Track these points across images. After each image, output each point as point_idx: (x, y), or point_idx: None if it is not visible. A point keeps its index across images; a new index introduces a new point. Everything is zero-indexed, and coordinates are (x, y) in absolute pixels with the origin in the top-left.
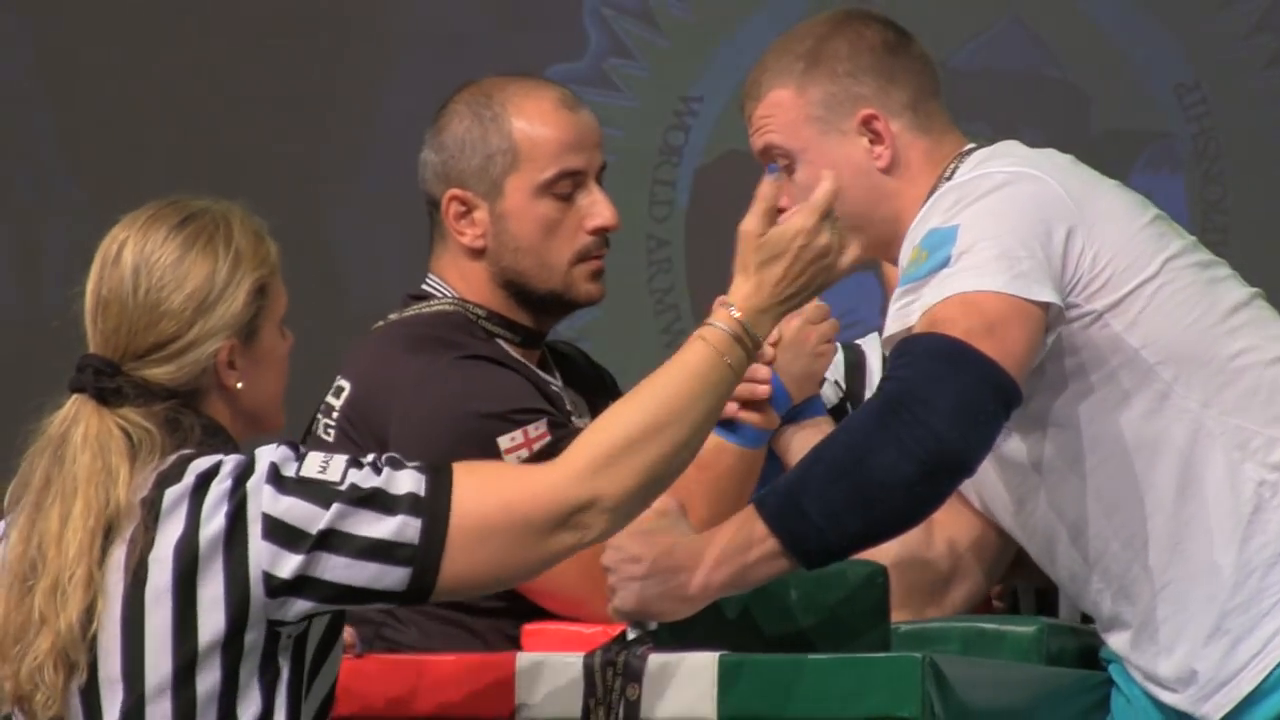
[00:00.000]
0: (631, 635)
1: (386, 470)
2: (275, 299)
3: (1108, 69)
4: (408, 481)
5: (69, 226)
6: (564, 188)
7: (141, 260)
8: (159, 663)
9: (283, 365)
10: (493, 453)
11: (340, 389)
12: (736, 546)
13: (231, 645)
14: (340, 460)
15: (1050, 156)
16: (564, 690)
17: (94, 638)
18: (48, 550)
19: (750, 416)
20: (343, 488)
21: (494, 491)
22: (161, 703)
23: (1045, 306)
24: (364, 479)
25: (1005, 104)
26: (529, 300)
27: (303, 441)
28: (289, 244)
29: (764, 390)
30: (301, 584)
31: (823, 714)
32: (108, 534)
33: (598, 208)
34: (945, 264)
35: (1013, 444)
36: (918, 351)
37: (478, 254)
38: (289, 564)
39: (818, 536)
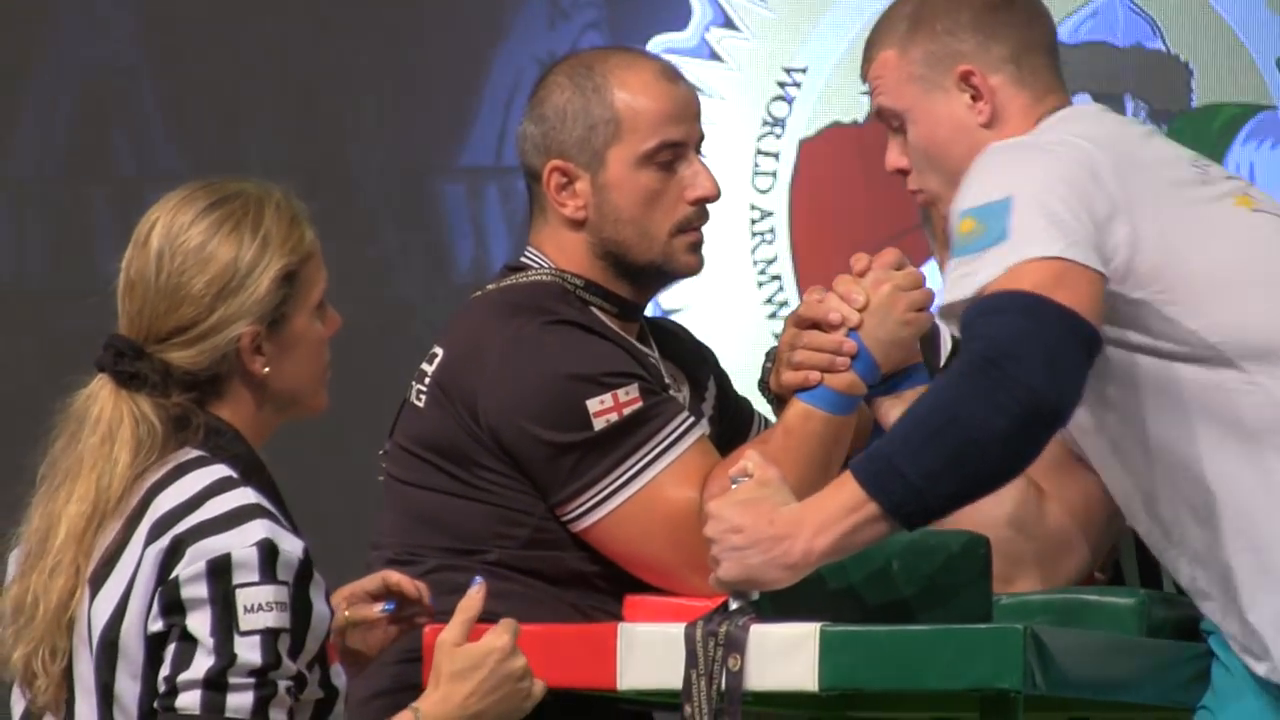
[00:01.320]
0: (733, 606)
1: (249, 686)
2: (308, 285)
3: (1211, 42)
4: (239, 702)
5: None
6: (665, 157)
7: (167, 243)
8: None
9: (318, 349)
10: (582, 415)
11: (434, 356)
12: (837, 512)
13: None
14: (264, 620)
15: (1115, 129)
16: (665, 661)
17: (70, 625)
18: (52, 529)
19: (834, 381)
20: (236, 642)
21: None
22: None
23: (1101, 275)
24: (245, 657)
25: (1110, 75)
26: (628, 271)
27: (392, 430)
28: (393, 213)
29: (843, 361)
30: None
31: (924, 685)
32: (99, 522)
33: (699, 178)
34: (1003, 236)
35: (1084, 415)
36: (995, 310)
37: (578, 225)
38: (156, 625)
39: (916, 497)
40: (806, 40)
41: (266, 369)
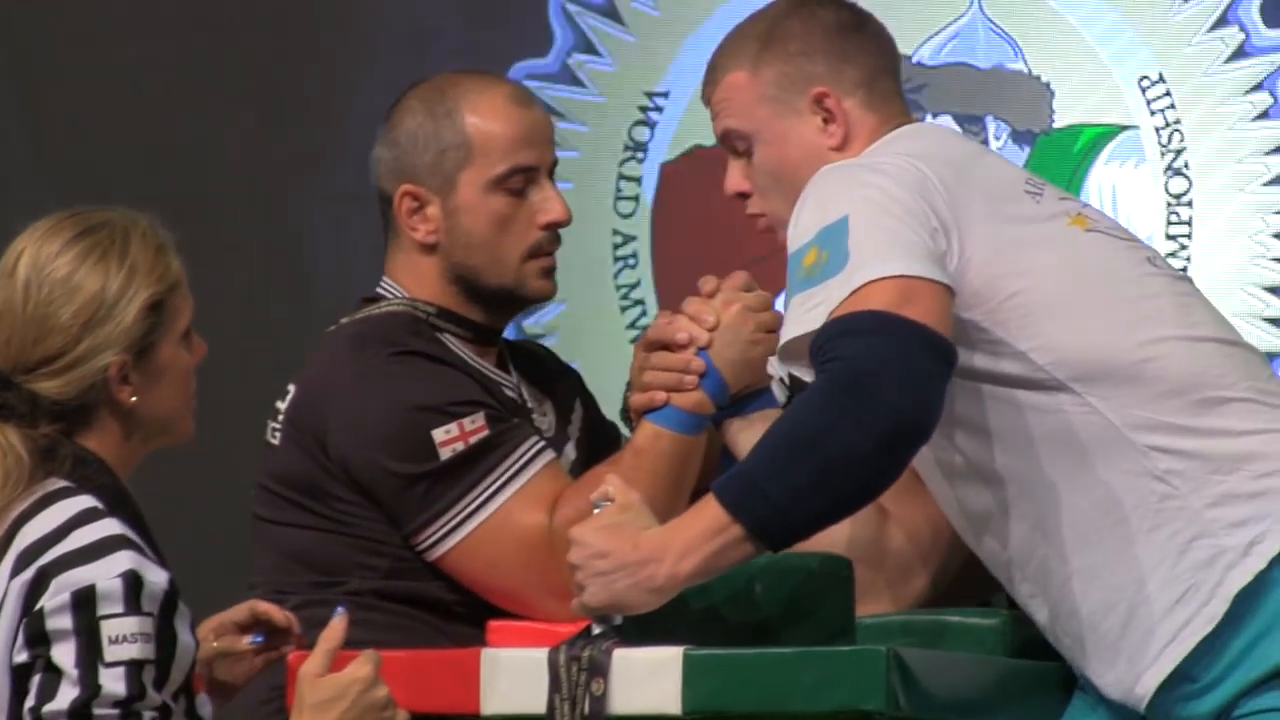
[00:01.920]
0: (596, 630)
1: (115, 714)
2: (175, 314)
3: (1073, 63)
4: None
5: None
6: (516, 183)
7: (33, 273)
8: None
9: (185, 377)
10: (428, 445)
11: (287, 393)
12: (701, 535)
13: None
14: (128, 651)
15: (945, 147)
16: (529, 685)
17: None
18: None
19: (682, 400)
20: (100, 675)
21: None
22: None
23: (946, 287)
24: (109, 688)
25: (972, 96)
26: (480, 296)
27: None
28: (258, 241)
29: (690, 380)
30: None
31: (789, 707)
32: None
33: (550, 203)
34: (844, 261)
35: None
36: (851, 330)
37: (429, 250)
38: (21, 657)
39: (781, 518)
40: (667, 64)
41: (134, 398)
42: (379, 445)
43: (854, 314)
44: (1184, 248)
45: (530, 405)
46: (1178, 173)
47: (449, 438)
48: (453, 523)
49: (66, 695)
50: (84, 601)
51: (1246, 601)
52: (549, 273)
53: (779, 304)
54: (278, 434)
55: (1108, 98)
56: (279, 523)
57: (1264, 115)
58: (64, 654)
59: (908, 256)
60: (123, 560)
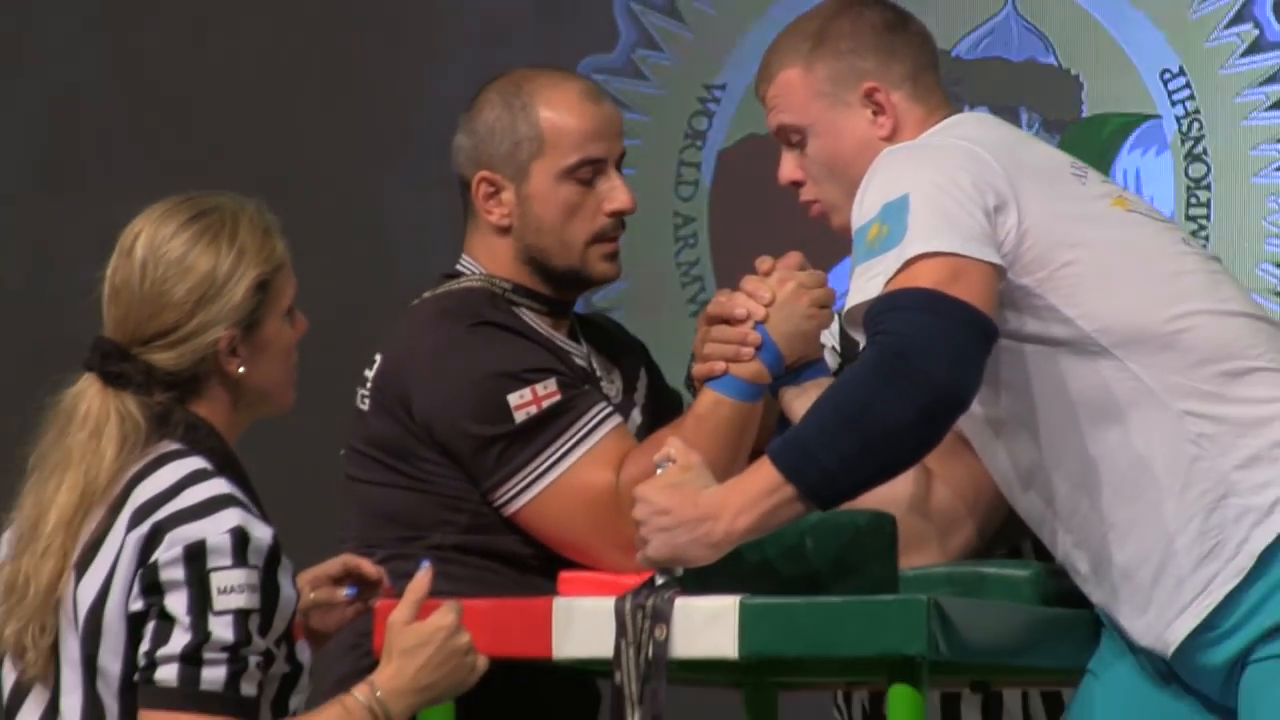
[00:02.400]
0: (659, 581)
1: (222, 660)
2: (280, 292)
3: (1099, 57)
4: (213, 676)
5: (143, 205)
6: (585, 174)
7: (150, 253)
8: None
9: (288, 351)
10: (504, 409)
11: (374, 362)
12: (757, 495)
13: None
14: (236, 600)
15: (998, 133)
16: (597, 632)
17: (57, 605)
18: (42, 516)
19: (741, 370)
20: (210, 622)
21: None
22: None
23: (994, 267)
24: (219, 634)
25: (1006, 88)
26: (549, 276)
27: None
28: (342, 224)
29: (748, 352)
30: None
31: (837, 652)
32: (86, 511)
33: (616, 193)
34: (902, 236)
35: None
36: (899, 306)
37: (504, 231)
38: (137, 605)
39: (831, 481)
40: (723, 59)
41: (241, 369)
42: (459, 409)
43: (903, 290)
44: (1202, 228)
45: (599, 373)
46: (1197, 159)
47: (523, 402)
48: (526, 481)
49: (179, 641)
50: (195, 555)
51: (1266, 556)
52: (613, 256)
53: (833, 281)
54: (366, 400)
55: (1132, 89)
56: (368, 482)
57: (1278, 105)
58: (176, 603)
59: (961, 236)
60: (230, 517)
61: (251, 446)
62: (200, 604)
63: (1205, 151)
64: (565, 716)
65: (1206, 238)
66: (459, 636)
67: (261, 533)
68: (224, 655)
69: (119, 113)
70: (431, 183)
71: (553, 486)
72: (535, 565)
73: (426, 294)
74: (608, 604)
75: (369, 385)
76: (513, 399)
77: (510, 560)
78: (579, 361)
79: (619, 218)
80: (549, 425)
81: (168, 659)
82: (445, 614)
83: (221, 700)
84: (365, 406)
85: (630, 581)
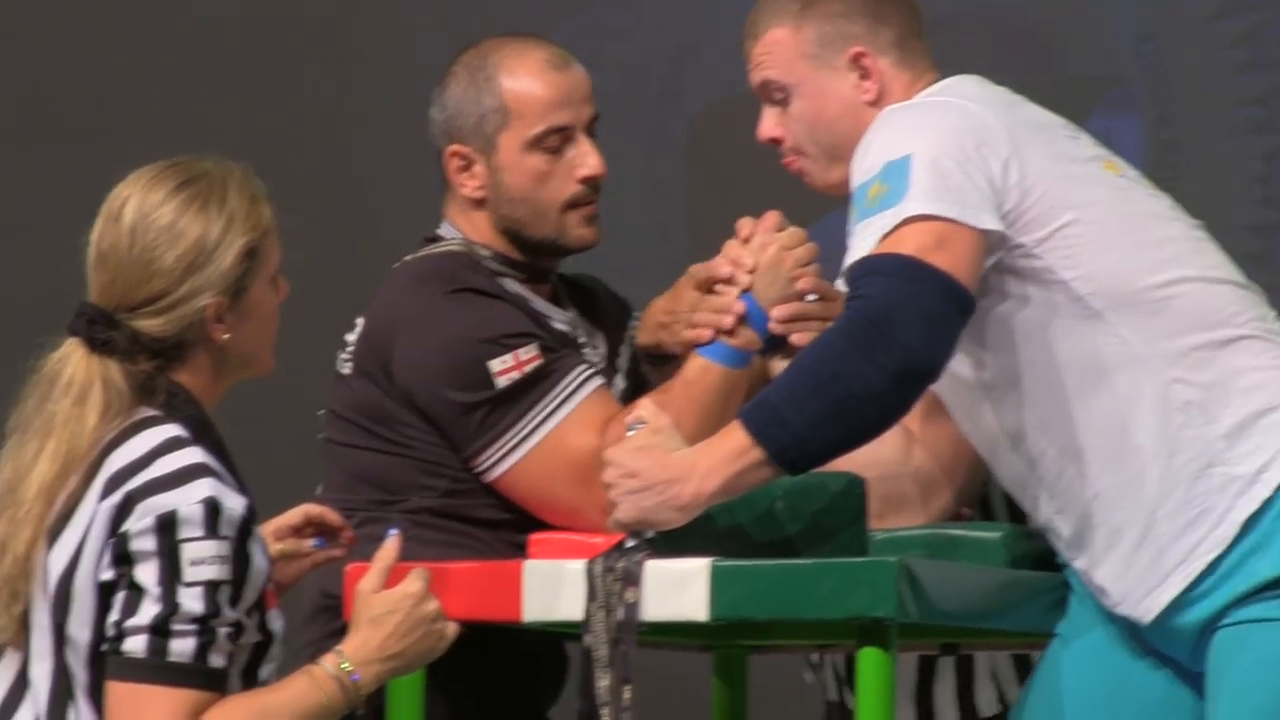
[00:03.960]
0: (630, 544)
1: (192, 631)
2: (266, 258)
3: (1072, 20)
4: (182, 648)
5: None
6: (552, 142)
7: (139, 219)
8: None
9: (272, 316)
10: (485, 374)
11: (355, 326)
12: (725, 457)
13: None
14: (206, 572)
15: (995, 93)
16: (568, 594)
17: (31, 573)
18: (21, 480)
19: (726, 338)
20: (182, 588)
21: (150, 710)
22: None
23: (986, 233)
24: (187, 606)
25: (980, 52)
26: (527, 245)
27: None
28: (320, 187)
29: (728, 320)
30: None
31: (807, 614)
32: (65, 476)
33: (586, 158)
34: (900, 196)
35: (958, 362)
36: (878, 270)
37: (479, 204)
38: (107, 575)
39: (799, 445)
40: (696, 20)
41: (227, 335)
42: (440, 375)
43: (885, 255)
44: (1171, 191)
45: (582, 339)
46: (1167, 121)
47: (505, 367)
48: (509, 445)
49: (148, 612)
50: (166, 526)
51: (1248, 524)
52: (590, 220)
53: (814, 237)
54: (348, 365)
55: (1105, 52)
56: (347, 445)
57: (1247, 69)
58: (146, 574)
59: (959, 200)
60: (203, 488)
61: (233, 410)
62: (170, 575)
63: (1175, 115)
64: (535, 680)
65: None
66: (426, 604)
67: (234, 503)
68: (193, 627)
69: (92, 74)
70: (410, 148)
71: (536, 450)
72: (512, 530)
73: (408, 257)
74: (578, 566)
75: (350, 349)
76: (494, 364)
77: (485, 525)
78: (562, 326)
79: (592, 183)
80: (531, 390)
81: (136, 630)
82: (412, 581)
83: (189, 672)
84: (346, 370)
85: (601, 544)
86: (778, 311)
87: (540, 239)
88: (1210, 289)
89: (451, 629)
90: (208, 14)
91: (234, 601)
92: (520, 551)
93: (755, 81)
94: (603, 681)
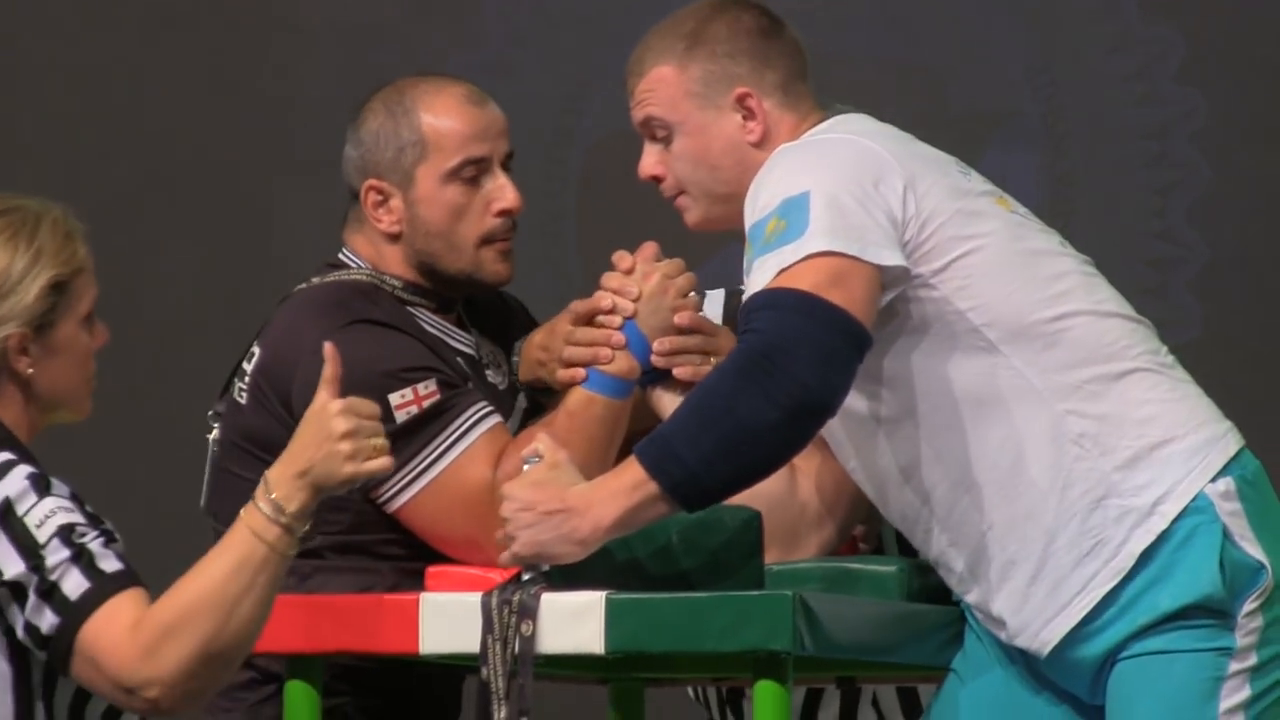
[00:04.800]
0: (526, 577)
1: (69, 565)
2: (77, 296)
3: (964, 53)
4: (73, 584)
5: None
6: (469, 173)
7: None
8: None
9: (84, 357)
10: (385, 409)
11: (252, 354)
12: (621, 491)
13: None
14: (54, 523)
15: (885, 129)
16: (464, 627)
17: None
18: None
19: (612, 367)
20: (42, 551)
21: (104, 635)
22: None
23: (881, 269)
24: (55, 559)
25: (874, 87)
26: (442, 280)
27: (223, 393)
28: (222, 216)
29: (605, 354)
30: None
31: (703, 647)
32: None
33: (502, 191)
34: (804, 229)
35: (852, 396)
36: (773, 305)
37: (394, 239)
38: None
39: (693, 480)
40: (592, 57)
41: (31, 370)
42: None
43: (780, 290)
44: (1067, 224)
45: (485, 361)
46: (1063, 155)
47: (404, 401)
48: (406, 479)
49: (34, 591)
50: (4, 514)
51: (1144, 556)
52: (506, 256)
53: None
54: (244, 394)
55: (998, 85)
56: (245, 477)
57: (1144, 102)
58: (11, 566)
59: (858, 237)
60: (22, 470)
61: (124, 433)
62: (28, 548)
63: (1070, 149)
64: (431, 714)
65: (1069, 235)
66: (334, 421)
67: (61, 482)
68: (70, 566)
69: None
70: (308, 176)
71: (432, 484)
72: (416, 563)
73: (306, 284)
74: (474, 599)
75: (246, 379)
76: (394, 399)
77: (390, 559)
78: (467, 350)
79: (509, 218)
80: (429, 424)
81: (37, 610)
82: (321, 394)
83: (98, 592)
84: (242, 400)
85: (498, 577)
86: (659, 345)
87: (455, 273)
88: (1102, 322)
89: (351, 459)
90: (104, 45)
91: (90, 528)
92: (418, 583)
93: (638, 118)
94: (500, 714)
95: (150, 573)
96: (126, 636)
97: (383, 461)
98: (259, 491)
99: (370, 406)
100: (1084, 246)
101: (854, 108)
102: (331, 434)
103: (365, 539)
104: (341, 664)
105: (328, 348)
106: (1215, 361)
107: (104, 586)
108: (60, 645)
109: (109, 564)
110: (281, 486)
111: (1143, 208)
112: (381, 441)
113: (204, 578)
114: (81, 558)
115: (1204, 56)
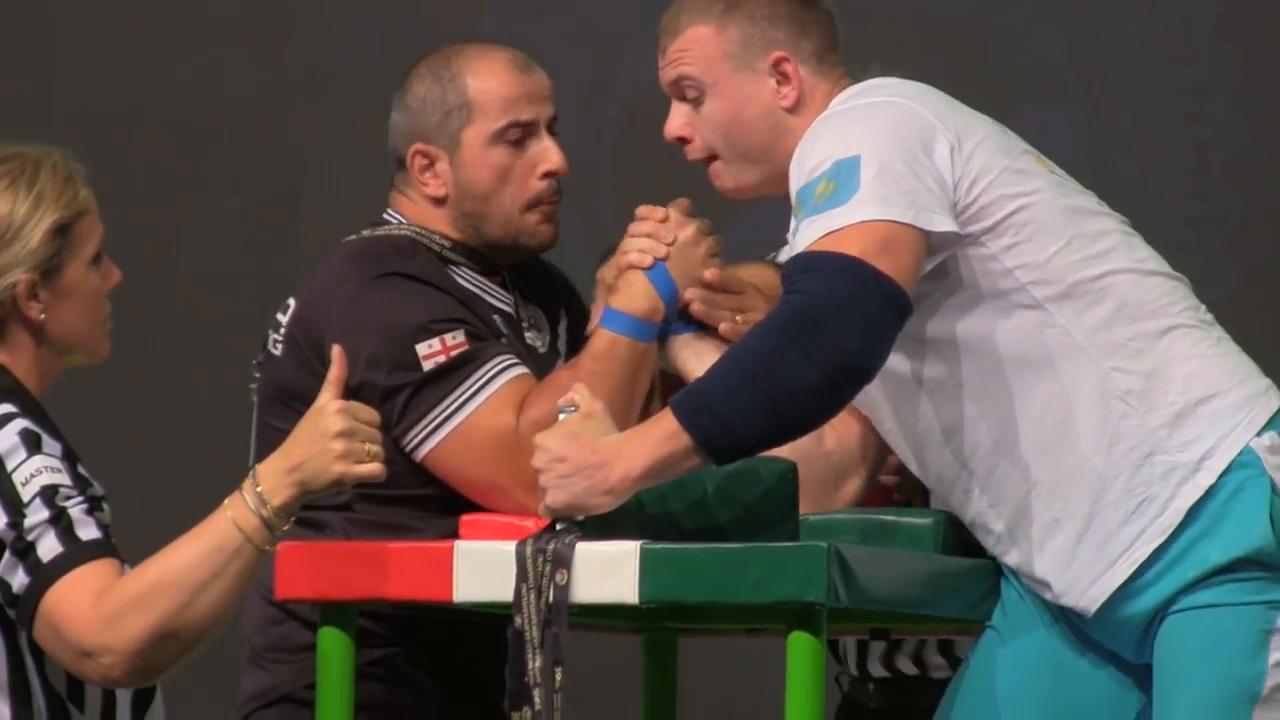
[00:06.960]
0: (560, 526)
1: (47, 527)
2: (83, 238)
3: (1002, 9)
4: (47, 547)
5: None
6: (514, 135)
7: None
8: None
9: (95, 298)
10: (413, 358)
11: (288, 306)
12: (653, 442)
13: None
14: (38, 482)
15: (924, 90)
16: (498, 576)
17: None
18: None
19: (635, 307)
20: (24, 510)
21: (66, 601)
22: None
23: (930, 235)
24: (34, 519)
25: (910, 42)
26: (486, 243)
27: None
28: (252, 170)
29: (662, 250)
30: None
31: (736, 598)
32: None
33: (547, 154)
34: (848, 195)
35: (894, 358)
36: (820, 268)
37: (440, 202)
38: None
39: (727, 435)
40: (628, 10)
41: (42, 315)
42: (370, 360)
43: (826, 253)
44: (1103, 181)
45: (525, 323)
46: (1099, 111)
47: (431, 351)
48: (432, 426)
49: (10, 548)
50: None
51: (1192, 512)
52: (549, 218)
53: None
54: (279, 345)
55: (1035, 42)
56: (280, 428)
57: (1180, 58)
58: None
59: (909, 203)
60: (16, 426)
61: (159, 386)
62: (13, 505)
63: (1106, 105)
64: (475, 665)
65: (1106, 193)
66: (330, 419)
67: (53, 438)
68: (49, 528)
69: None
70: (344, 128)
71: (456, 430)
72: (444, 510)
73: (348, 239)
74: (509, 548)
75: (281, 330)
76: (421, 349)
77: (420, 504)
78: (505, 309)
79: (554, 180)
80: (454, 373)
81: (11, 567)
82: (323, 394)
83: (70, 559)
84: (277, 351)
85: (533, 526)
86: (689, 293)
87: (499, 236)
88: (1144, 280)
89: (342, 459)
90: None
91: (74, 492)
92: (455, 532)
93: (669, 77)
94: (534, 663)
95: (186, 527)
96: (89, 603)
97: (374, 466)
98: (247, 481)
99: (369, 412)
100: (1119, 204)
101: (880, 71)
102: (326, 432)
103: (396, 486)
104: (388, 614)
105: (335, 350)
106: (1251, 318)
107: (76, 554)
108: (27, 606)
109: (87, 531)
110: (269, 480)
111: (1179, 165)
112: (376, 448)
113: (176, 557)
114: (60, 521)
115: (1242, 13)
